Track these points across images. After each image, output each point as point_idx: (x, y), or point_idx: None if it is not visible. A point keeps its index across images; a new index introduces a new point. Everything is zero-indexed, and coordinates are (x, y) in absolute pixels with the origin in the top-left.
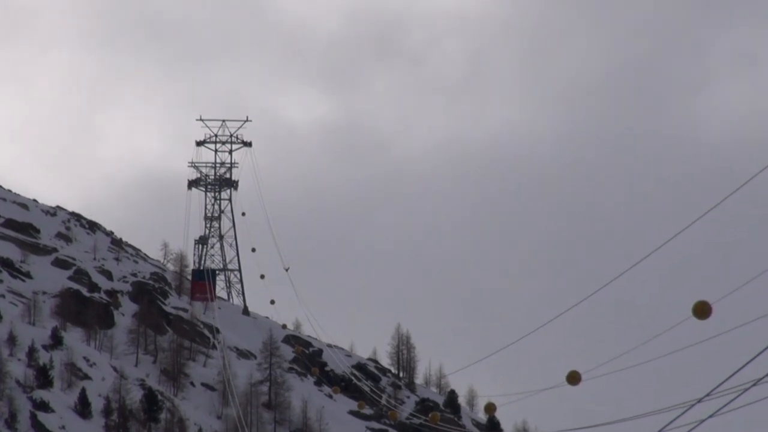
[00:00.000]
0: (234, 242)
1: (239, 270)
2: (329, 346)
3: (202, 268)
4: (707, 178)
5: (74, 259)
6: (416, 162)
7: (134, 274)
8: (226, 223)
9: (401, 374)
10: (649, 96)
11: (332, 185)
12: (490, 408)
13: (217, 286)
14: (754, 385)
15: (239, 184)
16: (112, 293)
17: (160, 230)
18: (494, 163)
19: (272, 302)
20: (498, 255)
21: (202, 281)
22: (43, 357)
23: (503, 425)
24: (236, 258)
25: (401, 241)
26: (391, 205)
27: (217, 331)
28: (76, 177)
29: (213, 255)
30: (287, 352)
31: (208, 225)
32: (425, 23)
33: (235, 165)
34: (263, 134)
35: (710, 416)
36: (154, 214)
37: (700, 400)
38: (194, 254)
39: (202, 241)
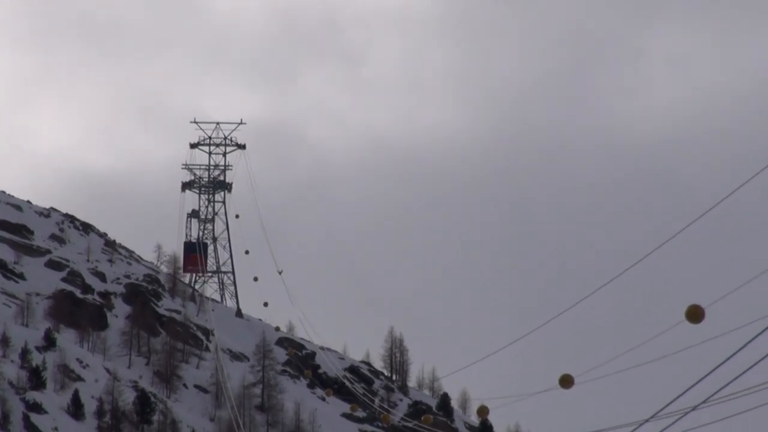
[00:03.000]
0: (228, 244)
1: (233, 272)
2: (322, 348)
3: (194, 241)
4: (642, 180)
5: (68, 260)
6: (339, 165)
7: (128, 276)
8: (219, 226)
9: (394, 377)
10: (583, 98)
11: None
12: (482, 411)
13: (210, 288)
14: (693, 409)
15: (233, 186)
16: (105, 295)
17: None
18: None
19: (265, 304)
20: (486, 258)
21: (194, 253)
22: (36, 358)
23: (496, 428)
24: (230, 260)
25: (392, 244)
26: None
27: (212, 333)
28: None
29: (205, 228)
30: (280, 354)
31: (201, 227)
32: (360, 22)
33: (229, 167)
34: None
35: None
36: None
37: (647, 420)
38: (187, 227)
39: (195, 215)
